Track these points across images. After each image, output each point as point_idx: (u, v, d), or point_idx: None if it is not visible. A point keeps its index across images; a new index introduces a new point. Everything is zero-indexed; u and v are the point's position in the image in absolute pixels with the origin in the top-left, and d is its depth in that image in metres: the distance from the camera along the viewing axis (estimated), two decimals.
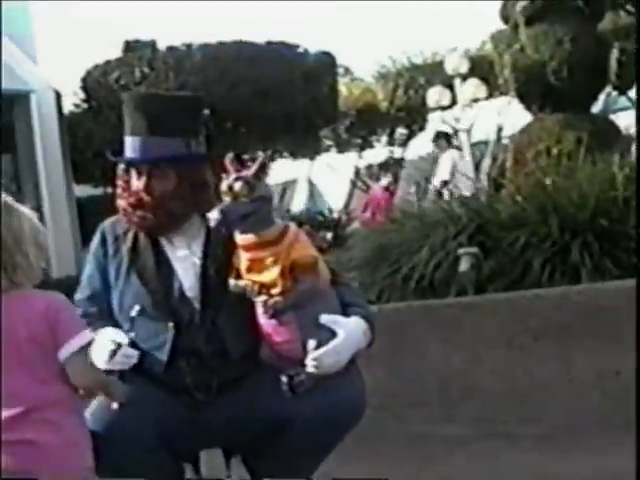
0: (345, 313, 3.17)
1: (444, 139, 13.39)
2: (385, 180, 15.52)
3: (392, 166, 18.91)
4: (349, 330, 3.12)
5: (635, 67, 8.79)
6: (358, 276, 5.82)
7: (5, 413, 2.73)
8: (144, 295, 3.24)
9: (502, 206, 5.94)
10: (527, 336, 4.68)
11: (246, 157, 3.14)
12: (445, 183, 11.33)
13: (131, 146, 3.32)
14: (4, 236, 2.79)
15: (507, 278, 5.27)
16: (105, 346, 3.11)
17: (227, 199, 3.04)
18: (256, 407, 3.22)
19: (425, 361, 4.84)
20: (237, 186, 3.02)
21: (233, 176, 3.05)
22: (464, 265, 5.28)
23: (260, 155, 3.23)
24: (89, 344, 2.83)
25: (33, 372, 2.75)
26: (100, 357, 3.08)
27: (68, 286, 3.54)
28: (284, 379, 3.11)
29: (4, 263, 2.78)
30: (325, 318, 3.10)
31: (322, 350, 3.06)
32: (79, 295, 3.37)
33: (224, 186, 3.05)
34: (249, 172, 3.07)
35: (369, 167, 21.24)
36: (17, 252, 2.80)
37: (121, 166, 3.35)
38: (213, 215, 3.02)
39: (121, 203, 3.31)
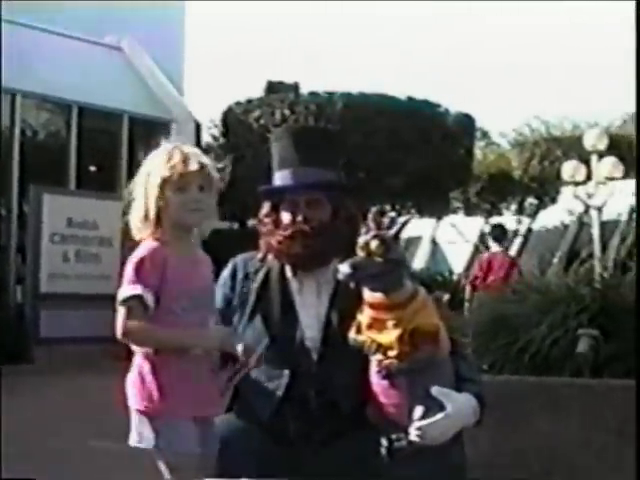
0: (459, 387, 3.11)
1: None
2: (495, 245, 14.41)
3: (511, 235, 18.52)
4: (459, 406, 3.05)
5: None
6: (472, 342, 5.75)
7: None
8: (265, 339, 3.24)
9: (627, 290, 5.82)
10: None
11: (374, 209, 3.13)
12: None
13: (283, 178, 3.33)
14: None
15: (625, 365, 5.14)
16: None
17: (360, 254, 2.99)
18: (354, 464, 3.20)
19: (531, 439, 4.74)
20: (374, 244, 2.98)
21: (372, 233, 3.02)
22: (582, 346, 5.17)
23: (393, 214, 3.22)
24: None
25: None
26: None
27: None
28: (384, 442, 3.08)
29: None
30: (436, 390, 3.03)
31: (427, 421, 3.00)
32: None
33: (361, 241, 3.01)
34: (389, 232, 3.05)
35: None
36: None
37: (266, 205, 3.37)
38: (344, 269, 2.98)
39: (274, 239, 3.30)
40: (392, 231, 3.06)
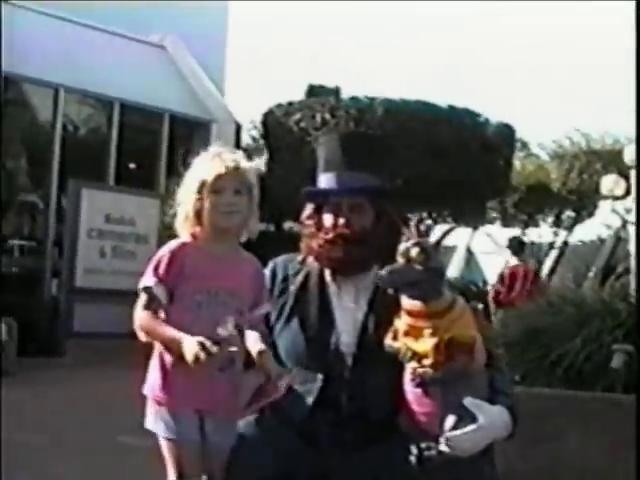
0: (492, 399, 3.09)
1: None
2: (514, 259, 14.11)
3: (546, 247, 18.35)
4: (491, 418, 3.03)
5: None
6: (505, 354, 5.72)
7: None
8: (301, 342, 3.26)
9: None
10: None
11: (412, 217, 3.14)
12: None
13: (327, 181, 3.34)
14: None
15: None
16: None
17: (401, 261, 2.99)
18: (384, 470, 3.19)
19: (561, 452, 4.72)
20: (414, 252, 2.97)
21: (412, 241, 3.00)
22: (616, 361, 5.14)
23: (429, 222, 3.22)
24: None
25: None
26: None
27: None
28: (414, 450, 3.06)
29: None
30: (469, 401, 3.02)
31: (458, 432, 2.99)
32: None
33: (401, 248, 3.00)
34: (430, 240, 3.05)
35: (531, 244, 20.85)
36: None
37: (309, 207, 3.38)
38: (383, 275, 2.98)
39: (315, 242, 3.31)
40: (433, 239, 3.06)
